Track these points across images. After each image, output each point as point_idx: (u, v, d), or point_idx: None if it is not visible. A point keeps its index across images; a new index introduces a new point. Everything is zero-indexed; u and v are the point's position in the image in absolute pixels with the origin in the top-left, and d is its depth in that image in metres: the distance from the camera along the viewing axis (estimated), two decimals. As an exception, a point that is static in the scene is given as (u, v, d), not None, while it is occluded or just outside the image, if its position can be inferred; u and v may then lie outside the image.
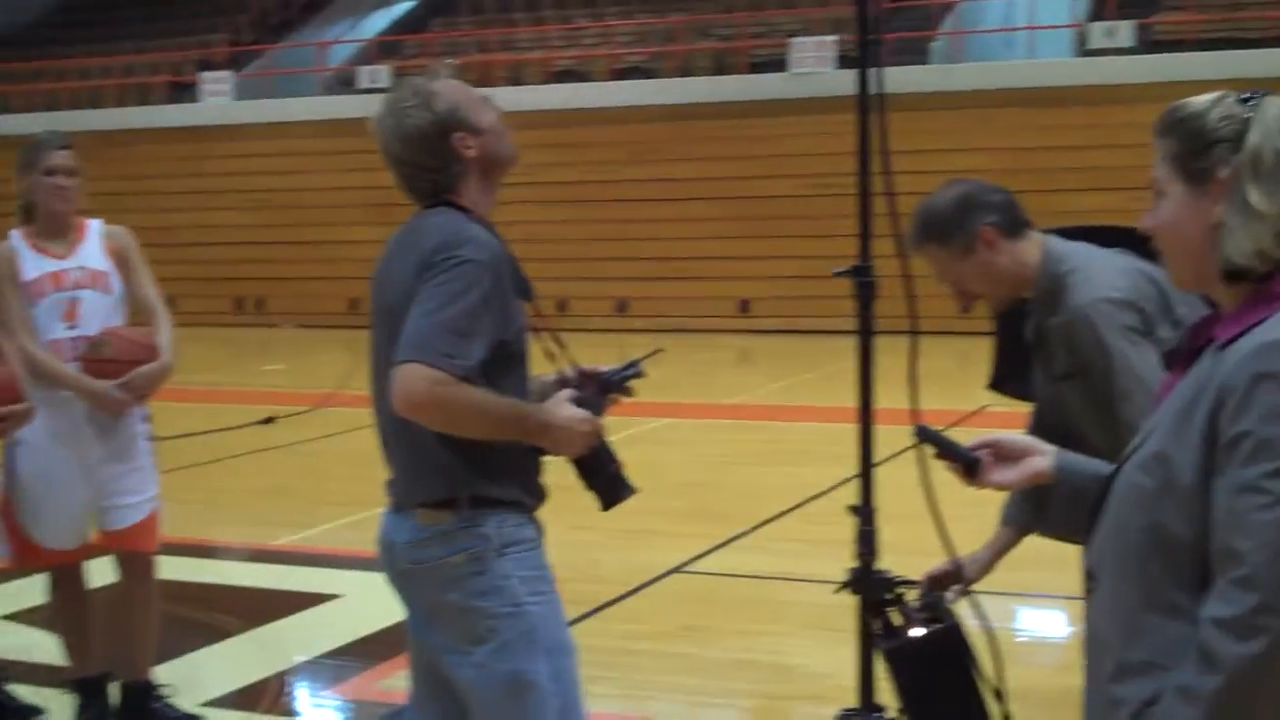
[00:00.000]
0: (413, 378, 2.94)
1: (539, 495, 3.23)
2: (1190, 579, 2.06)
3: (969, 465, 2.61)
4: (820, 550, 7.18)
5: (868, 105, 3.35)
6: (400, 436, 3.15)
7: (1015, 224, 3.51)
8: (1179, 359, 2.29)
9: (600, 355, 3.33)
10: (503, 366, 3.07)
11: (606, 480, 3.21)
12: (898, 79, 19.98)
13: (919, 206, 3.56)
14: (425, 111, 3.17)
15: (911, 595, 3.49)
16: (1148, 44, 20.16)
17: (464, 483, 3.10)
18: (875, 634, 3.46)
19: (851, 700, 3.60)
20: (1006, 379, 4.12)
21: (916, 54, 20.58)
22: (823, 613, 6.32)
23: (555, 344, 3.28)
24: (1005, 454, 2.60)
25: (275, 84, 25.14)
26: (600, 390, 3.23)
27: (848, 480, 8.39)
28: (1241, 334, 2.08)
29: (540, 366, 3.25)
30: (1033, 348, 3.65)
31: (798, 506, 8.48)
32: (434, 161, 3.17)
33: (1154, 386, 3.28)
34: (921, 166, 15.79)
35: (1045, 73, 19.80)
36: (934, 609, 3.47)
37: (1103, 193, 17.78)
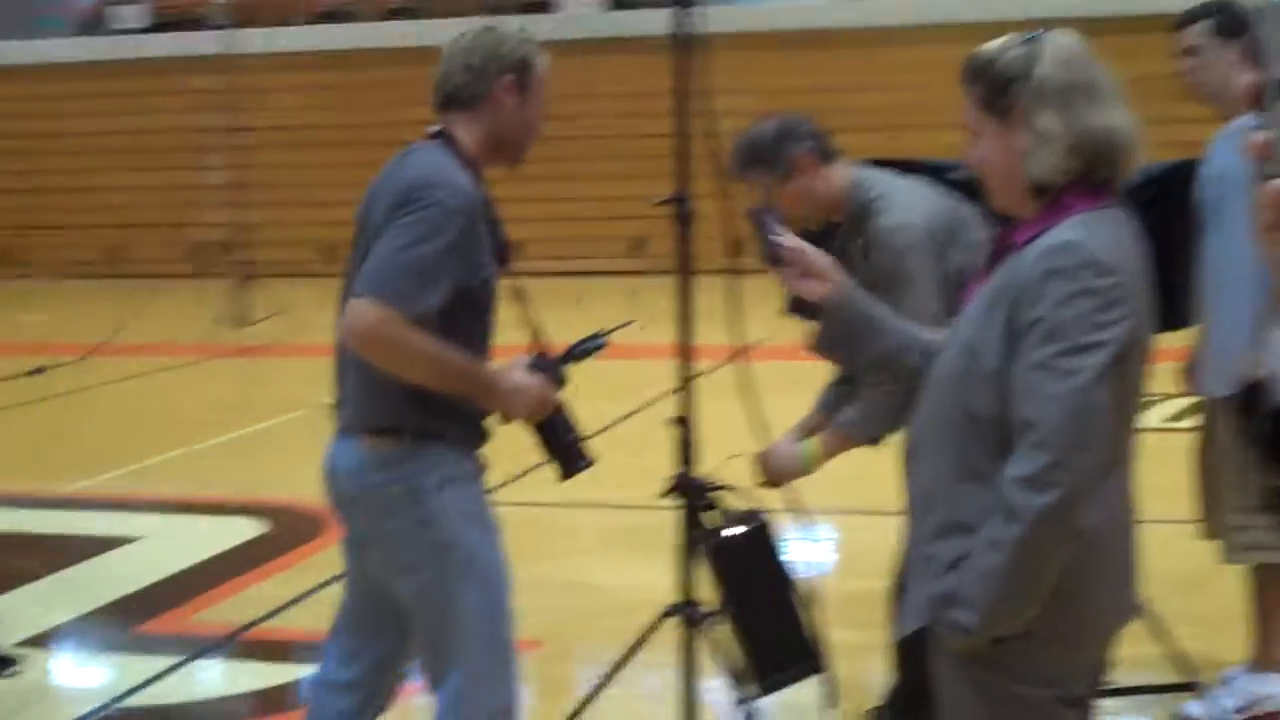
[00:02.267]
0: (363, 312, 3.00)
1: (482, 434, 3.33)
2: (995, 451, 2.40)
3: (775, 258, 2.81)
4: (606, 479, 7.43)
5: (687, 44, 3.62)
6: (354, 361, 3.17)
7: (827, 152, 3.85)
8: (986, 264, 2.61)
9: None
10: (464, 313, 3.13)
11: (563, 450, 3.32)
12: (664, 22, 19.95)
13: (741, 137, 3.84)
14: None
15: (728, 499, 3.76)
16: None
17: (411, 413, 3.17)
18: (696, 534, 3.73)
19: (656, 610, 3.86)
20: (804, 303, 4.42)
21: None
22: (619, 535, 6.62)
23: (524, 308, 3.38)
24: (809, 270, 2.80)
25: (21, 23, 24.14)
26: (561, 360, 3.31)
27: (626, 416, 8.62)
28: (1034, 237, 2.42)
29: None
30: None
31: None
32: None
33: (927, 311, 3.62)
34: (690, 107, 16.10)
35: (808, 15, 20.36)
36: (749, 512, 3.75)
37: (865, 132, 18.39)
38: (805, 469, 3.89)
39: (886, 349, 2.78)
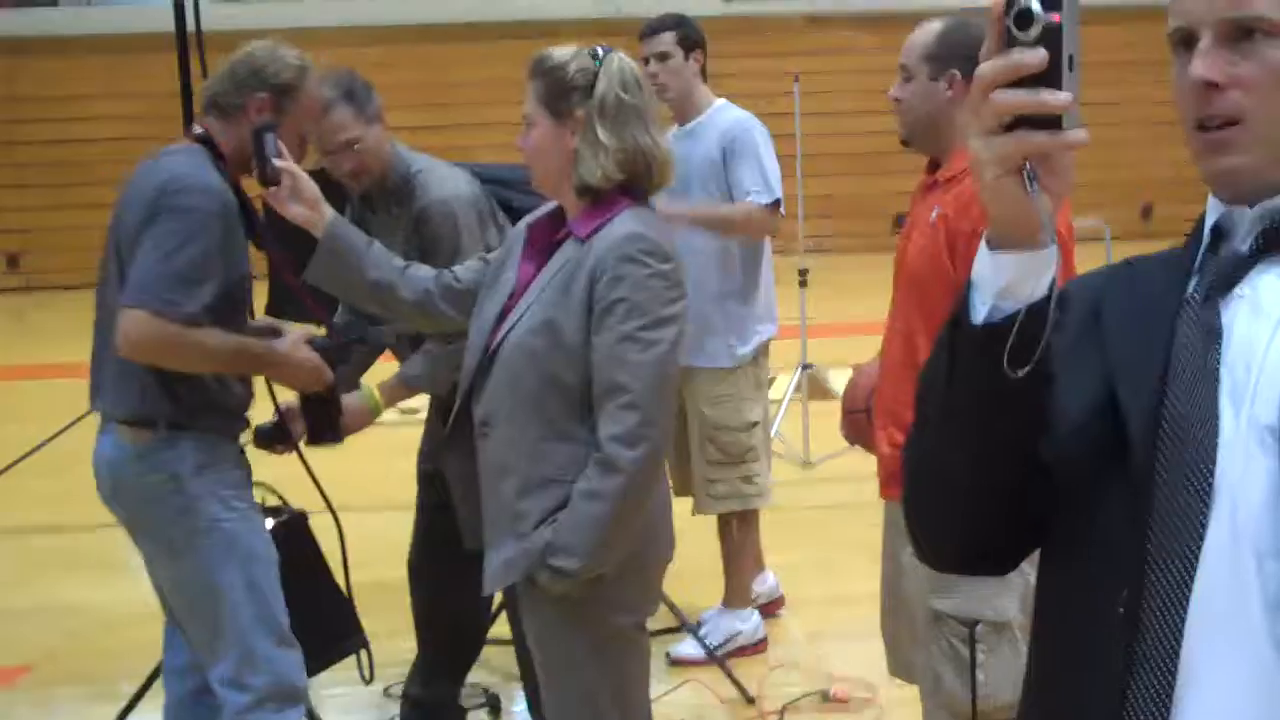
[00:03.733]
0: (137, 324, 3.10)
1: (240, 422, 3.44)
2: (578, 412, 2.73)
3: (269, 179, 3.09)
4: (55, 501, 7.13)
5: (190, 43, 3.68)
6: (108, 352, 3.25)
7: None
8: (531, 250, 2.90)
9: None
10: (225, 309, 3.23)
11: (322, 420, 3.60)
12: (27, 21, 18.58)
13: (330, 76, 3.82)
14: None
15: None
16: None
17: (163, 403, 3.25)
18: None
19: (147, 625, 3.90)
20: (287, 302, 4.51)
21: (46, -3, 19.86)
22: (79, 555, 6.38)
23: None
24: (299, 193, 3.07)
25: None
26: (349, 343, 3.69)
27: (57, 434, 8.15)
28: (596, 230, 2.72)
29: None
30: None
31: (17, 462, 8.26)
32: None
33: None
34: (65, 114, 15.32)
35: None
36: (279, 508, 3.82)
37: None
38: (373, 412, 3.87)
39: (376, 280, 3.07)
